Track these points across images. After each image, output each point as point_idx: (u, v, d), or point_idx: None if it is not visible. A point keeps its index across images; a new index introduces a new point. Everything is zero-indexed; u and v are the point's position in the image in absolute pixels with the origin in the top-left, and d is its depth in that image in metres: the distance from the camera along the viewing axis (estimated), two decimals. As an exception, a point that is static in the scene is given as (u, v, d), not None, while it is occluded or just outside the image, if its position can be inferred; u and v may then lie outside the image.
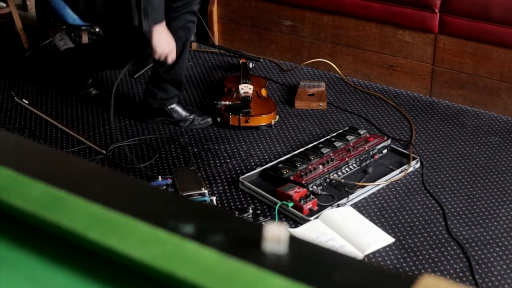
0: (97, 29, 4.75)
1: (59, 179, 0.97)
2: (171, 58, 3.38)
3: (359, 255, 2.71)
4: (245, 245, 0.87)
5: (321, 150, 3.30)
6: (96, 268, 0.89)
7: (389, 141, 3.43)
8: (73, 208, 0.91)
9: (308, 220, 2.89)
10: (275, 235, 0.87)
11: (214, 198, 2.99)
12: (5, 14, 4.69)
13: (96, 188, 0.97)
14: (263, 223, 0.90)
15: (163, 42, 3.31)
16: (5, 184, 0.95)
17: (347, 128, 3.57)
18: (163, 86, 3.62)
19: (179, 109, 3.69)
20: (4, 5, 4.61)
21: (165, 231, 0.88)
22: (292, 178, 3.09)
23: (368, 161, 3.31)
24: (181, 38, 3.47)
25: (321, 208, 2.97)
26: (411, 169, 3.29)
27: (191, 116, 3.69)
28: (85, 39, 4.51)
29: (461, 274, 2.62)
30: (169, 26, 3.37)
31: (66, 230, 0.89)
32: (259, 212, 2.99)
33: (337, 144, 3.35)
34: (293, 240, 0.88)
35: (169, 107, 3.67)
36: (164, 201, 0.97)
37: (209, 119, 3.71)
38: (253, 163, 3.36)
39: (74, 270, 0.88)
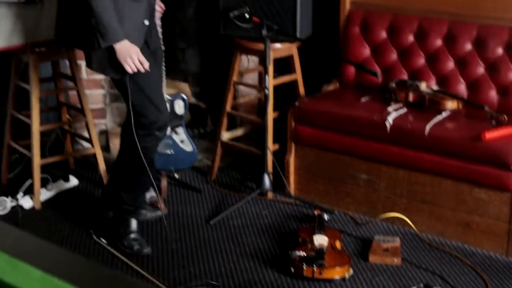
0: (176, 175, 4.88)
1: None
2: (143, 67, 3.52)
3: None
4: None
5: (396, 307, 3.26)
6: None
7: (465, 301, 3.37)
8: None
9: None
10: None
11: None
12: (89, 155, 4.89)
13: None
14: None
15: (127, 55, 3.45)
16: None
17: (421, 285, 3.53)
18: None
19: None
20: (90, 145, 4.81)
21: None
22: (365, 335, 3.04)
23: (443, 321, 3.25)
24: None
25: None
26: (488, 332, 3.21)
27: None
28: (164, 182, 4.64)
29: None
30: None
31: None
32: None
33: (412, 301, 3.31)
34: None
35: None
36: None
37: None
38: (325, 317, 3.33)
39: None
